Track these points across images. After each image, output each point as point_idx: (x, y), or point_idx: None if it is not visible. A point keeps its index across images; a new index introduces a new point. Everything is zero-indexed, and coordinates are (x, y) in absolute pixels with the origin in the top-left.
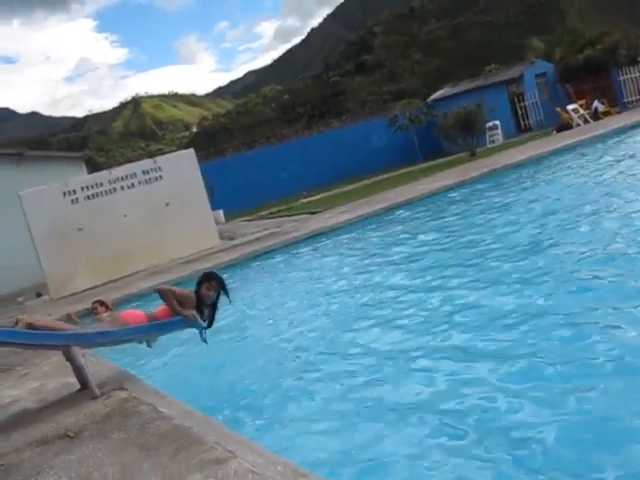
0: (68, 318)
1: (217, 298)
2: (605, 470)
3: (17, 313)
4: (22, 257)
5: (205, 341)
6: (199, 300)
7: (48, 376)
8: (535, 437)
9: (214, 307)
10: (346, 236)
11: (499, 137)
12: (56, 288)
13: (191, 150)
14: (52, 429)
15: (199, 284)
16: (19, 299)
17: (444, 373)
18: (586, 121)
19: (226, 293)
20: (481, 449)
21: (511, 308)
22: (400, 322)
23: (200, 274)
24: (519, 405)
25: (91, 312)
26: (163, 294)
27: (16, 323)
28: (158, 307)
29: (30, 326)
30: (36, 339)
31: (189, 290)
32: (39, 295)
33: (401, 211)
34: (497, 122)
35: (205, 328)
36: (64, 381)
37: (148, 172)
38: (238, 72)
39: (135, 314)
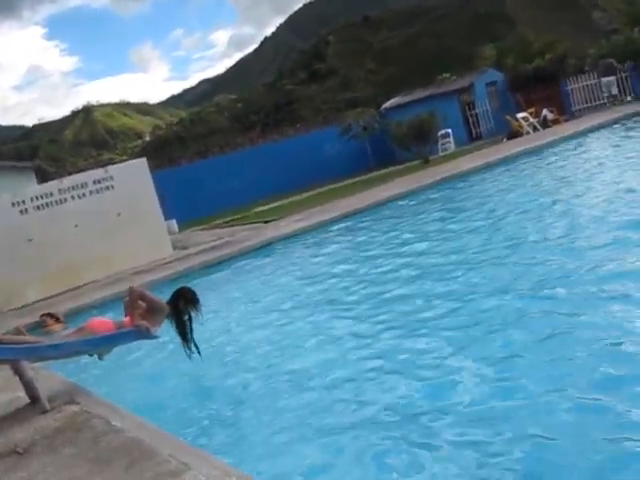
0: (17, 331)
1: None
2: None
3: None
4: None
5: (189, 355)
6: (175, 314)
7: None
8: None
9: (190, 323)
10: (300, 244)
11: (451, 145)
12: (5, 300)
13: (143, 159)
14: (0, 445)
15: (178, 298)
16: None
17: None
18: (535, 129)
19: (199, 309)
20: None
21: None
22: (362, 332)
23: (176, 287)
24: None
25: (40, 325)
26: (131, 294)
27: None
28: (126, 317)
29: None
30: None
31: (162, 300)
32: None
33: (355, 218)
34: (449, 130)
35: (189, 345)
36: (12, 395)
37: (99, 182)
38: (192, 80)
39: (103, 322)
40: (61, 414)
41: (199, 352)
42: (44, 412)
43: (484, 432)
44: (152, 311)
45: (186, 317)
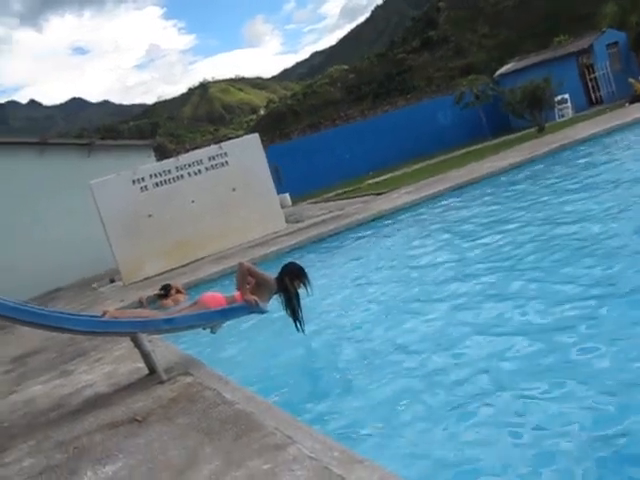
0: (139, 303)
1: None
2: None
3: (91, 299)
4: (96, 244)
5: (300, 330)
6: (282, 289)
7: (119, 361)
8: None
9: (298, 299)
10: (411, 216)
11: (569, 111)
12: (128, 274)
13: (256, 135)
14: (122, 413)
15: (284, 274)
16: (93, 285)
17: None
18: None
19: (307, 284)
20: None
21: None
22: (474, 307)
23: (284, 263)
24: None
25: (161, 297)
26: (240, 268)
27: (103, 314)
28: (236, 291)
29: (115, 319)
30: (104, 327)
31: (270, 276)
32: (112, 281)
33: (468, 190)
34: (566, 95)
35: (298, 320)
36: (134, 366)
37: (214, 158)
38: (304, 54)
39: (215, 297)
40: (176, 385)
41: (304, 329)
42: (161, 382)
43: None
44: (261, 286)
45: (293, 293)
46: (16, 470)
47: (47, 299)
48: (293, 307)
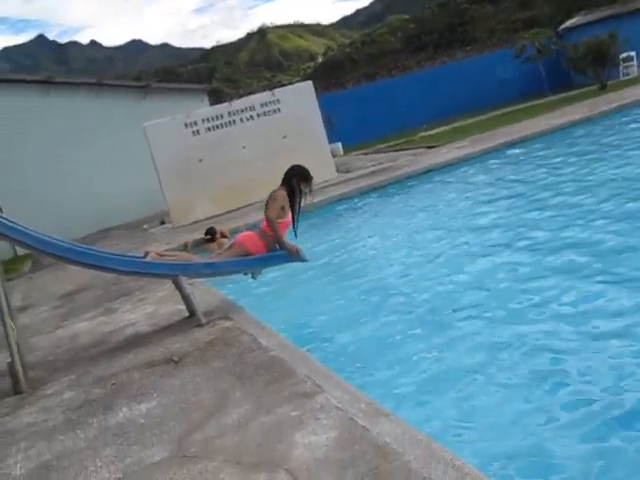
0: (184, 246)
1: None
2: None
3: (141, 240)
4: (148, 186)
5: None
6: (289, 191)
7: (162, 302)
8: None
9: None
10: (460, 172)
11: (634, 69)
12: (178, 217)
13: (309, 82)
14: (160, 353)
15: (292, 176)
16: (144, 226)
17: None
18: None
19: (311, 187)
20: None
21: None
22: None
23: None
24: None
25: (206, 240)
26: (269, 230)
27: (145, 255)
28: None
29: (156, 260)
30: (145, 268)
31: (275, 195)
32: (162, 223)
33: (522, 147)
34: (632, 53)
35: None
36: (175, 308)
37: (266, 105)
38: (364, 0)
39: (249, 235)
40: (214, 328)
41: (296, 231)
42: (200, 325)
43: None
44: (285, 209)
45: (299, 196)
46: (57, 402)
47: (98, 238)
48: (297, 208)
